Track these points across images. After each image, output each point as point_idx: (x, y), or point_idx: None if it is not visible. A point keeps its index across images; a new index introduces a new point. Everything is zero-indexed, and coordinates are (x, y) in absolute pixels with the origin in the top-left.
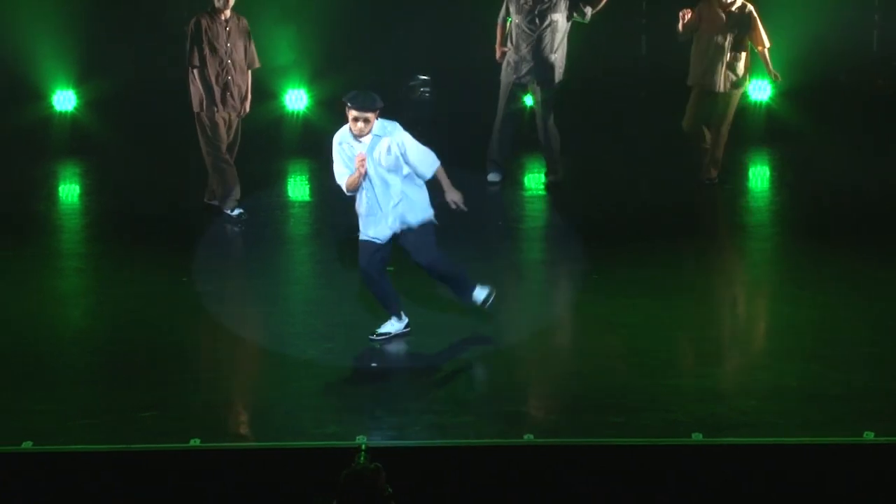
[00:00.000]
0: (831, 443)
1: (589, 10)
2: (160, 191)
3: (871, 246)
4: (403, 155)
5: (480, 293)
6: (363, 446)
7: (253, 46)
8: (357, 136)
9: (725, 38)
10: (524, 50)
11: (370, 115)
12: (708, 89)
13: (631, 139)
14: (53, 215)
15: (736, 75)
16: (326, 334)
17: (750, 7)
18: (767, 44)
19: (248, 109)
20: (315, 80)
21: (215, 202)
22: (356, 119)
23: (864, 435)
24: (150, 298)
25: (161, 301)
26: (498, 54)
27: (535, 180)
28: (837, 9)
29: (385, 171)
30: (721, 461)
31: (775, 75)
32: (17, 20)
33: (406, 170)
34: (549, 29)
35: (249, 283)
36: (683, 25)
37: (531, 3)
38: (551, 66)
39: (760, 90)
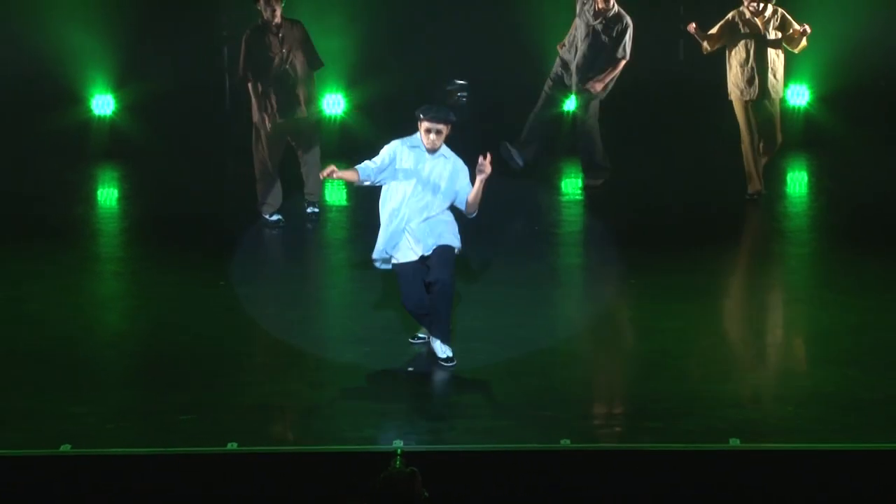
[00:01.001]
0: (869, 449)
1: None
2: (198, 195)
3: None
4: (455, 175)
5: (444, 350)
6: (399, 451)
7: (312, 48)
8: (430, 150)
9: (764, 44)
10: (571, 52)
11: (443, 127)
12: (755, 99)
13: (668, 145)
14: (92, 219)
15: (777, 80)
16: (363, 338)
17: (778, 10)
18: (798, 44)
19: (316, 110)
20: (352, 84)
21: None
22: (429, 130)
23: None
24: (187, 302)
25: (199, 305)
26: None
27: (571, 185)
28: (875, 13)
29: (431, 192)
30: (758, 467)
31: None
32: (56, 25)
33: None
34: (596, 41)
35: (286, 286)
36: (709, 40)
37: (591, 14)
38: (590, 78)
39: (798, 96)
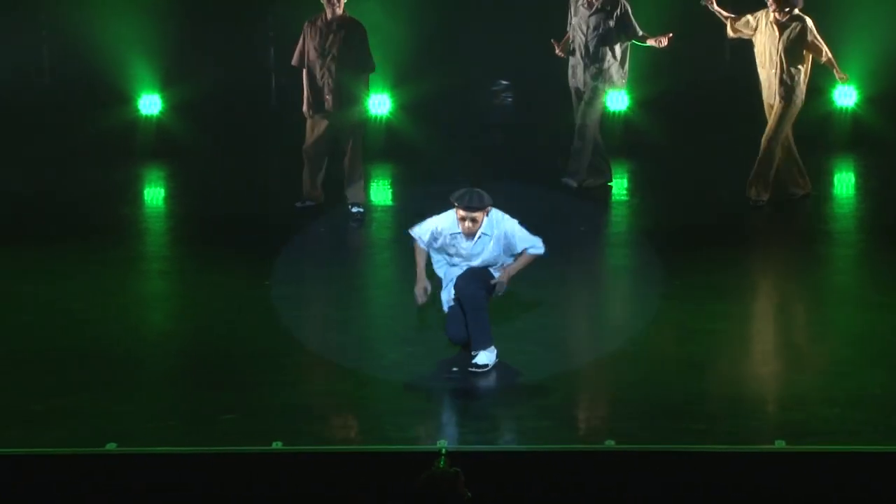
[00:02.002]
0: None
1: (643, 36)
2: (243, 194)
3: None
4: (510, 241)
5: (476, 357)
6: (443, 450)
7: (366, 49)
8: (467, 236)
9: (777, 51)
10: (577, 54)
11: (478, 215)
12: (767, 102)
13: (714, 144)
14: (138, 218)
15: (787, 89)
16: (407, 338)
17: (804, 20)
18: (825, 56)
19: (360, 111)
20: (398, 84)
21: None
22: (464, 218)
23: None
24: (232, 302)
25: (243, 304)
26: (558, 50)
27: (617, 185)
28: None
29: (479, 264)
30: (804, 468)
31: (842, 77)
32: (104, 26)
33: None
34: (597, 36)
35: (330, 286)
36: (731, 22)
37: (585, 6)
38: (597, 73)
39: (846, 96)
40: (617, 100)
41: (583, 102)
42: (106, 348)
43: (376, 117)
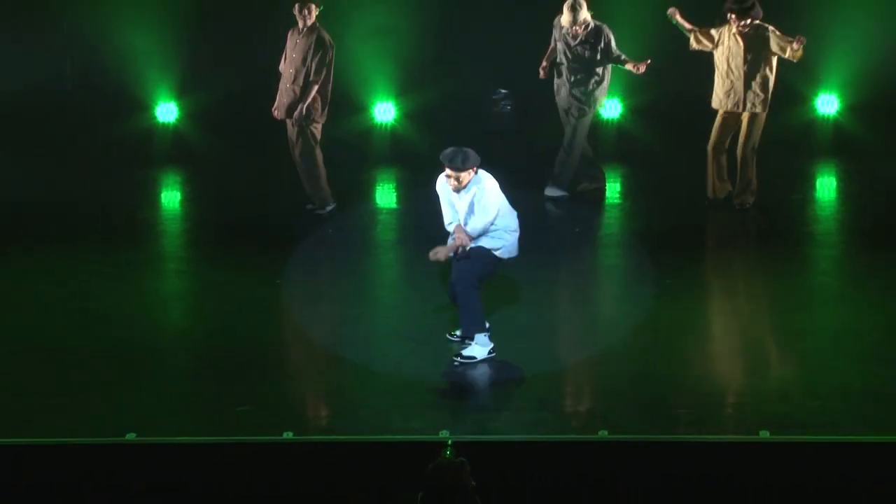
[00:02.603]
0: (894, 441)
1: (624, 60)
2: (255, 198)
3: None
4: (479, 201)
5: (472, 350)
6: (449, 441)
7: (319, 59)
8: (454, 190)
9: (744, 60)
10: (563, 76)
11: (462, 175)
12: (731, 111)
13: (704, 151)
14: (156, 221)
15: (759, 96)
16: (411, 335)
17: (766, 28)
18: (791, 52)
19: (296, 117)
20: (403, 92)
21: (313, 206)
22: (448, 175)
23: None
24: (245, 299)
25: (255, 302)
26: (540, 73)
27: (610, 189)
28: None
29: (466, 218)
30: (787, 457)
31: (800, 40)
32: (124, 38)
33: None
34: (580, 66)
35: (339, 285)
36: (695, 35)
37: (571, 37)
38: (581, 94)
39: (828, 104)
40: (610, 107)
41: (571, 120)
42: (127, 344)
43: (382, 124)
